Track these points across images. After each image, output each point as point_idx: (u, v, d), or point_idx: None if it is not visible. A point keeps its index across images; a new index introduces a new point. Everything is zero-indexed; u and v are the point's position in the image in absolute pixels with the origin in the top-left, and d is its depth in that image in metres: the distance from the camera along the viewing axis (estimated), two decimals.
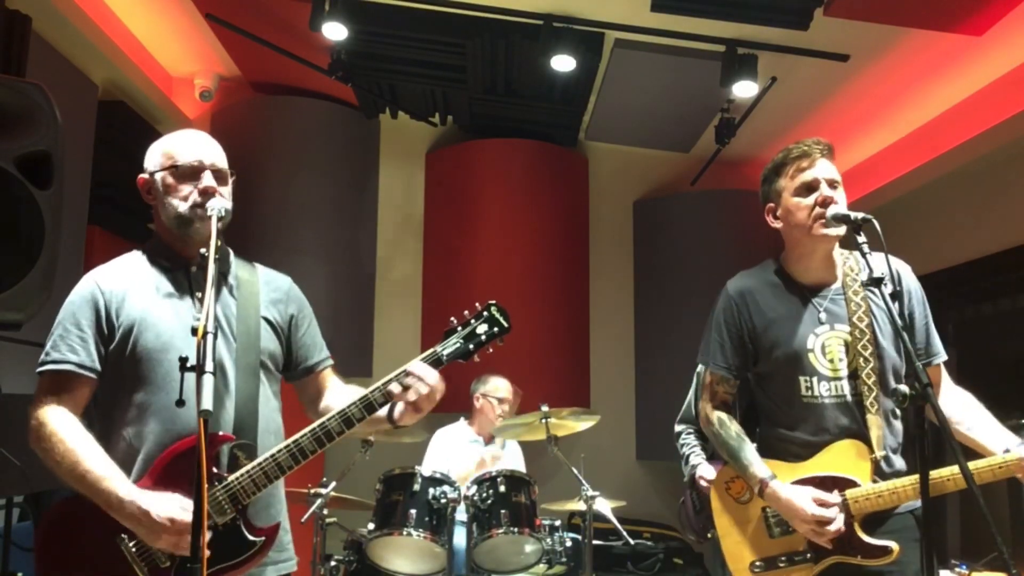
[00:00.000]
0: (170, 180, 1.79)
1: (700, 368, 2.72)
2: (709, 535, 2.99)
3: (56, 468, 1.63)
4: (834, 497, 1.91)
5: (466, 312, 1.82)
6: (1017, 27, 3.44)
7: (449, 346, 1.79)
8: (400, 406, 1.80)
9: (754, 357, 2.09)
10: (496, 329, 1.81)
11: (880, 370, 1.98)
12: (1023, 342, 4.17)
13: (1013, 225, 4.14)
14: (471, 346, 1.79)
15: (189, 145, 1.82)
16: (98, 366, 1.72)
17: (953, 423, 1.96)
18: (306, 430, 1.73)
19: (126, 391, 1.72)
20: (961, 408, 2.00)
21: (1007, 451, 1.84)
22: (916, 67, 3.96)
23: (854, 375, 1.98)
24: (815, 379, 2.00)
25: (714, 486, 2.15)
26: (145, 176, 1.84)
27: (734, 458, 2.04)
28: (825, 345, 2.01)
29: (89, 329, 1.72)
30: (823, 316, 2.03)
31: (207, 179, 1.78)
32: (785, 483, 1.94)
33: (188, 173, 1.78)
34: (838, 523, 1.88)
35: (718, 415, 2.11)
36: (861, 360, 1.97)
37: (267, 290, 1.93)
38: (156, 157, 1.83)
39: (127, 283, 1.78)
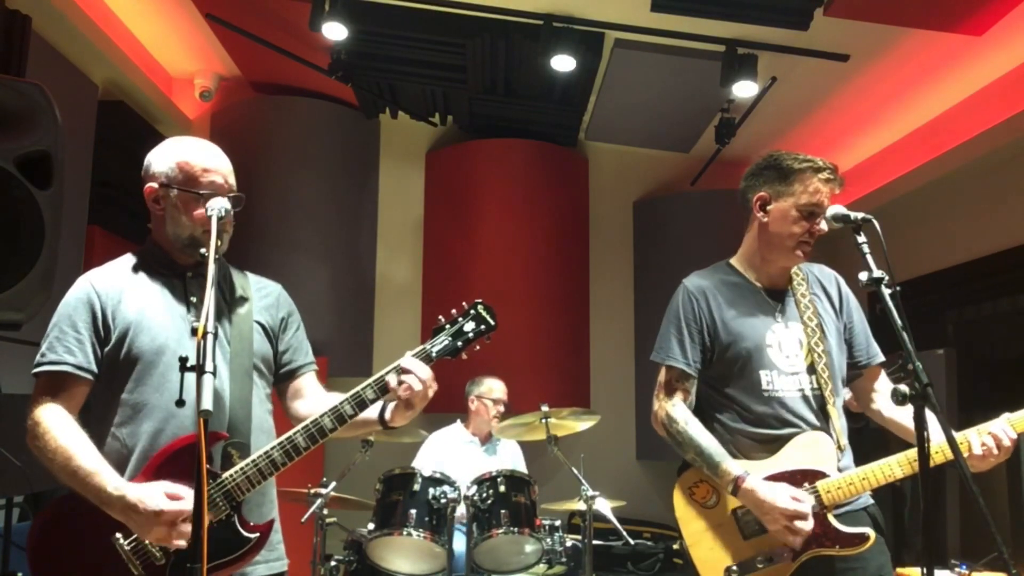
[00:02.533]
0: (187, 199, 1.77)
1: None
2: (676, 546, 2.96)
3: (50, 465, 1.64)
4: (807, 496, 1.91)
5: (454, 311, 1.87)
6: (1017, 27, 3.45)
7: (438, 343, 1.82)
8: (391, 405, 1.81)
9: (711, 353, 2.08)
10: (483, 327, 1.85)
11: (830, 366, 2.03)
12: (1023, 342, 4.17)
13: (1013, 225, 4.14)
14: (459, 343, 1.83)
15: (211, 166, 1.79)
16: (95, 368, 1.72)
17: (885, 418, 2.09)
18: (299, 427, 1.74)
19: (121, 392, 1.73)
20: (895, 406, 2.01)
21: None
22: (916, 67, 3.97)
23: (811, 369, 2.03)
24: (775, 373, 2.02)
25: (677, 493, 2.08)
26: (155, 186, 1.80)
27: (702, 456, 1.98)
28: (782, 341, 2.05)
29: (86, 331, 1.72)
30: (778, 315, 2.08)
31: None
32: (760, 479, 1.92)
33: (207, 197, 1.75)
34: (811, 521, 1.88)
35: (681, 413, 2.05)
36: (815, 355, 2.02)
37: (259, 296, 1.94)
38: (171, 169, 1.79)
39: (122, 286, 1.78)
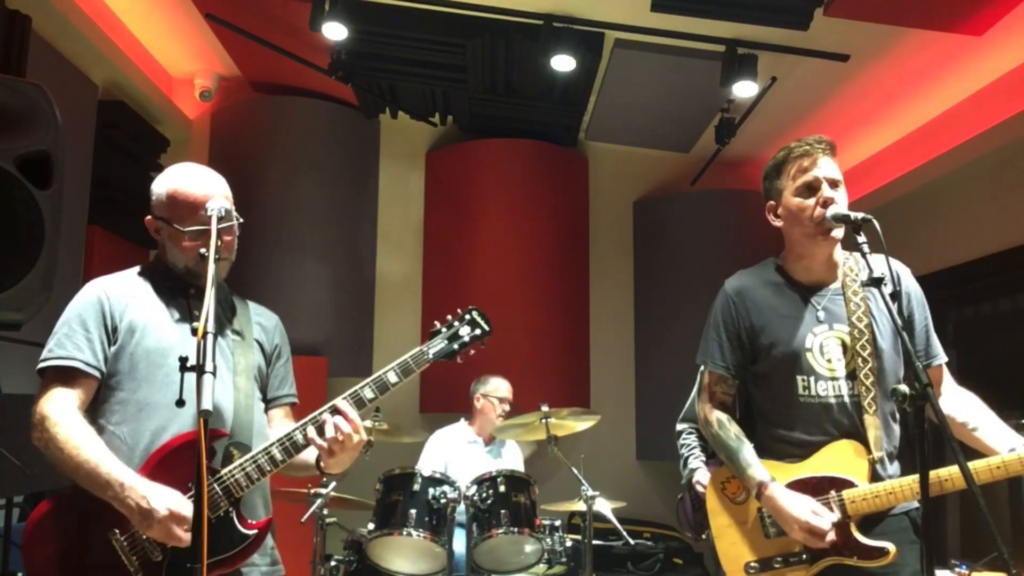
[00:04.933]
0: (177, 235, 1.80)
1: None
2: (704, 535, 2.98)
3: (58, 455, 1.65)
4: (827, 511, 1.89)
5: (449, 316, 1.97)
6: (1017, 27, 3.45)
7: (434, 346, 1.92)
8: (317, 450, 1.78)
9: (752, 356, 2.07)
10: (478, 332, 1.95)
11: (879, 371, 1.96)
12: (1023, 342, 4.17)
13: (1013, 225, 4.14)
14: (455, 347, 1.93)
15: (202, 200, 1.78)
16: (103, 367, 1.75)
17: (957, 424, 1.96)
18: (298, 424, 1.78)
19: (124, 391, 1.75)
20: (966, 409, 1.99)
21: (1012, 450, 1.82)
22: (916, 67, 3.97)
23: (852, 375, 1.97)
24: (812, 378, 1.98)
25: (710, 486, 2.13)
26: (151, 218, 1.85)
27: (732, 460, 2.01)
28: (823, 345, 1.99)
29: (95, 330, 1.75)
30: (821, 315, 2.02)
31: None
32: (783, 488, 1.92)
33: (194, 235, 1.79)
34: (832, 534, 1.86)
35: (717, 416, 2.08)
36: (859, 360, 1.96)
37: (256, 320, 2.00)
38: (163, 201, 1.82)
39: (130, 293, 1.83)
